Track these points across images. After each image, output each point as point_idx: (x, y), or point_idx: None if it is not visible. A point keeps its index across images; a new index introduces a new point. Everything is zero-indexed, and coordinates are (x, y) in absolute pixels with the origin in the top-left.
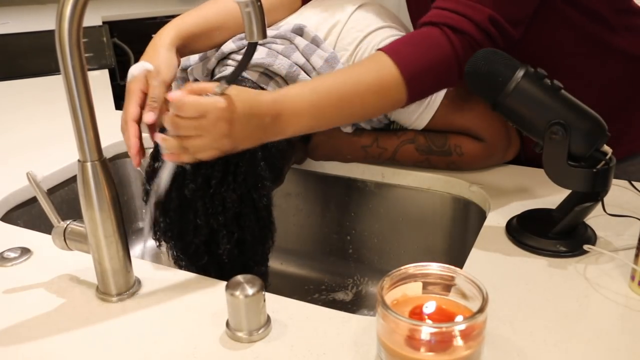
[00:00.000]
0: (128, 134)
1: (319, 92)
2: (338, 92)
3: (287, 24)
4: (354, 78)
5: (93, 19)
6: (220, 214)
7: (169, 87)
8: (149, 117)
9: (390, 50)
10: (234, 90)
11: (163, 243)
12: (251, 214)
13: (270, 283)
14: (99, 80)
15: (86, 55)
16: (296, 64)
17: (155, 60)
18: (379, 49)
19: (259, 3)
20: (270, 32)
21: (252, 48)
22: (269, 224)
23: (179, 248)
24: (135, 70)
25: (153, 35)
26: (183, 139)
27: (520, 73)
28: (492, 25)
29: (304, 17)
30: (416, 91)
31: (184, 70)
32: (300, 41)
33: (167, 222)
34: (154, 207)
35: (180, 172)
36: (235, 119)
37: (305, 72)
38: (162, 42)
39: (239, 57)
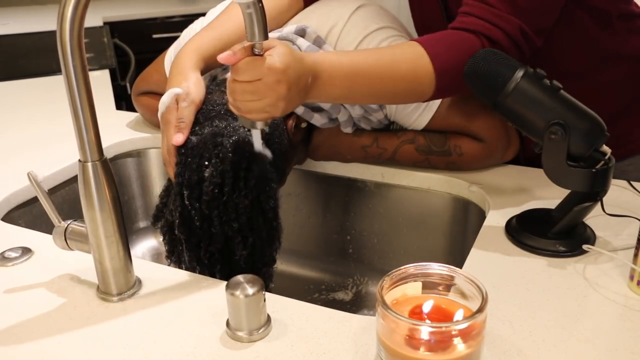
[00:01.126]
0: (172, 165)
1: (356, 66)
2: (373, 71)
3: (289, 26)
4: (390, 62)
5: (94, 19)
6: (234, 221)
7: (198, 108)
8: (178, 138)
9: (426, 43)
10: (281, 48)
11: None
12: (260, 216)
13: (274, 284)
14: (100, 81)
15: (87, 55)
16: None
17: (184, 82)
18: (413, 39)
19: (260, 4)
20: (273, 34)
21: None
22: (276, 225)
23: (195, 258)
24: (167, 98)
25: (153, 36)
26: (237, 102)
27: (519, 73)
28: (522, 36)
29: (304, 18)
30: (442, 89)
31: None
32: (302, 42)
33: (184, 238)
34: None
35: (192, 185)
36: (291, 81)
37: None
38: (187, 65)
39: None
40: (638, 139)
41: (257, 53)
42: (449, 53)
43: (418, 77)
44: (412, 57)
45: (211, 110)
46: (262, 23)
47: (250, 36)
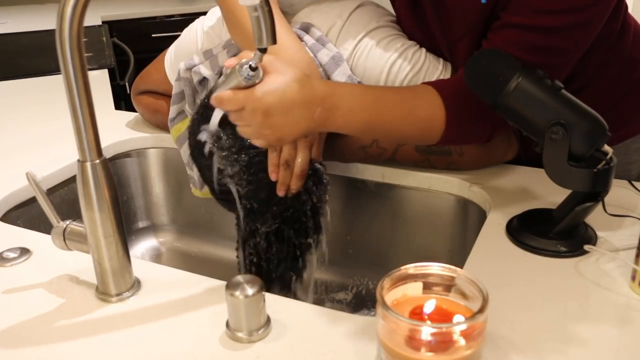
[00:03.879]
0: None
1: (377, 105)
2: (392, 112)
3: (294, 23)
4: (409, 107)
5: (93, 18)
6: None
7: None
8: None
9: (445, 93)
10: (270, 77)
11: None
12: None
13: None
14: (99, 80)
15: (86, 55)
16: None
17: None
18: (427, 84)
19: (267, 7)
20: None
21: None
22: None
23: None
24: None
25: (153, 35)
26: (238, 126)
27: (520, 73)
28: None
29: (304, 17)
30: (448, 140)
31: (189, 69)
32: (308, 38)
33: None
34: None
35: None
36: (270, 111)
37: None
38: None
39: None
40: (637, 119)
41: (253, 67)
42: (467, 109)
43: (431, 126)
44: (430, 104)
45: None
46: (271, 27)
47: (258, 40)
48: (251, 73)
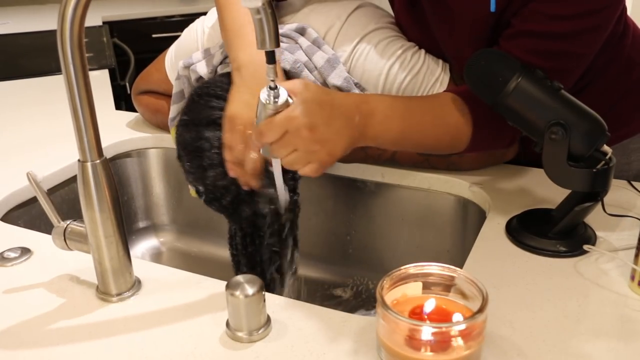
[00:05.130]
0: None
1: (409, 111)
2: (422, 119)
3: (289, 24)
4: (438, 115)
5: (93, 19)
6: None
7: None
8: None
9: (470, 101)
10: (303, 94)
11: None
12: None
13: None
14: (99, 80)
15: (86, 55)
16: (299, 61)
17: None
18: (449, 91)
19: (270, 9)
20: None
21: (270, 56)
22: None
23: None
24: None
25: (153, 35)
26: (283, 158)
27: (520, 73)
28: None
29: (302, 18)
30: (476, 147)
31: (187, 67)
32: (303, 41)
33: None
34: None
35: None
36: (314, 124)
37: (307, 70)
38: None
39: None
40: (636, 119)
41: (272, 86)
42: (493, 118)
43: (459, 133)
44: (457, 112)
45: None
46: (274, 30)
47: (260, 43)
48: (273, 93)
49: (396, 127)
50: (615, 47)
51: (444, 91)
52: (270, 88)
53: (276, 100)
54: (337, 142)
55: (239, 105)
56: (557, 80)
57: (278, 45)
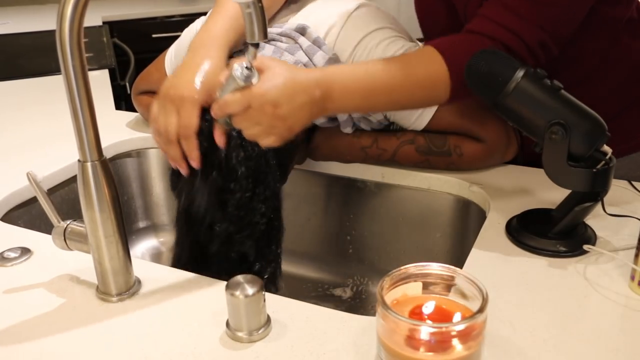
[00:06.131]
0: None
1: (370, 76)
2: (389, 81)
3: (289, 23)
4: (407, 71)
5: (93, 19)
6: (252, 226)
7: None
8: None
9: (442, 48)
10: (267, 74)
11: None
12: (260, 215)
13: (282, 287)
14: (99, 80)
15: (86, 55)
16: (300, 62)
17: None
18: (428, 44)
19: (260, 4)
20: (274, 29)
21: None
22: (278, 226)
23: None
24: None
25: (153, 35)
26: (244, 130)
27: (520, 73)
28: (540, 48)
29: (303, 17)
30: (458, 94)
31: None
32: (303, 41)
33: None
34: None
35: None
36: (278, 101)
37: None
38: (218, 42)
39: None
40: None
41: (248, 67)
42: (465, 58)
43: (434, 83)
44: (428, 62)
45: None
46: (262, 23)
47: (249, 36)
48: (247, 72)
49: (357, 93)
50: (618, 39)
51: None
52: (247, 68)
53: (247, 79)
54: (298, 118)
55: (179, 81)
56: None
57: (266, 37)
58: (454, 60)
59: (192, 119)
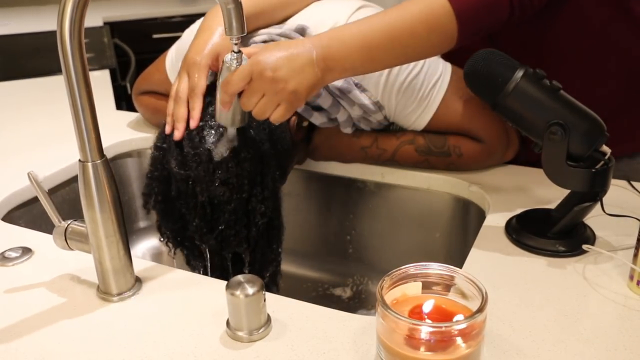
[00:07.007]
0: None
1: (367, 26)
2: (387, 24)
3: (289, 24)
4: (402, 11)
5: (94, 19)
6: (250, 226)
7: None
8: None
9: None
10: (263, 48)
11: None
12: (260, 215)
13: (282, 286)
14: (100, 81)
15: (87, 55)
16: None
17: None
18: None
19: (239, 0)
20: (274, 29)
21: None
22: (278, 225)
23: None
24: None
25: (154, 36)
26: (253, 107)
27: (519, 73)
28: None
29: (303, 17)
30: (466, 22)
31: None
32: None
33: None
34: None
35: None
36: (276, 64)
37: None
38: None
39: None
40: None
41: (236, 51)
42: None
43: (434, 17)
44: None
45: None
46: (241, 19)
47: (229, 30)
48: (236, 55)
49: (358, 47)
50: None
51: None
52: (234, 52)
53: (239, 64)
54: (300, 80)
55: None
56: None
57: (244, 32)
58: None
59: (200, 81)
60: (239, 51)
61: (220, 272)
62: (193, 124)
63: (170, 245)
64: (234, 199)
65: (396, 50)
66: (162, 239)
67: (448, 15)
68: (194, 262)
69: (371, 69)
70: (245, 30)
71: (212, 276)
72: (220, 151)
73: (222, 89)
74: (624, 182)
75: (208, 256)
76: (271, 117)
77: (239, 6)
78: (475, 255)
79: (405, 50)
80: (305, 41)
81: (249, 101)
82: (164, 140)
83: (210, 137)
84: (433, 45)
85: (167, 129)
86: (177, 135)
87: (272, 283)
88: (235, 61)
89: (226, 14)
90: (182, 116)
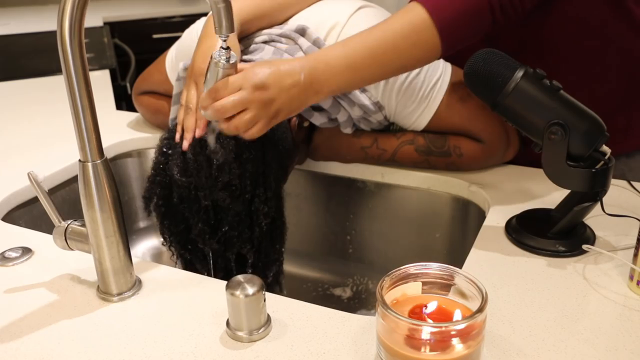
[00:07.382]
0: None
1: (351, 46)
2: (370, 43)
3: (289, 24)
4: (384, 27)
5: (94, 19)
6: (254, 227)
7: None
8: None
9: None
10: (255, 63)
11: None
12: (263, 215)
13: (285, 288)
14: (100, 81)
15: (87, 55)
16: None
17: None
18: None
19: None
20: (275, 30)
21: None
22: (281, 225)
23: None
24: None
25: (154, 36)
26: (232, 120)
27: (519, 73)
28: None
29: (303, 17)
30: (448, 34)
31: (187, 69)
32: (303, 42)
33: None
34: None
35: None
36: (265, 83)
37: None
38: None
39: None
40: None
41: (224, 47)
42: (445, 0)
43: (416, 32)
44: (406, 13)
45: None
46: (230, 18)
47: (218, 28)
48: (225, 52)
49: (343, 68)
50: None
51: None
52: (222, 48)
53: (227, 60)
54: (284, 101)
55: (196, 55)
56: None
57: (233, 31)
58: (433, 4)
59: None
60: (227, 47)
61: (224, 273)
62: (198, 132)
63: (173, 249)
64: (237, 200)
65: (381, 68)
66: (164, 244)
67: (429, 29)
68: (198, 265)
69: (359, 86)
70: (234, 28)
71: (215, 277)
72: (219, 149)
73: (208, 94)
74: (623, 182)
75: (211, 258)
76: (247, 133)
77: (228, 5)
78: (475, 255)
79: (390, 67)
80: (294, 63)
81: (229, 111)
82: (170, 147)
83: (212, 142)
84: (418, 59)
85: (177, 137)
86: (185, 145)
87: (275, 283)
88: (223, 57)
89: (216, 12)
90: (191, 127)
